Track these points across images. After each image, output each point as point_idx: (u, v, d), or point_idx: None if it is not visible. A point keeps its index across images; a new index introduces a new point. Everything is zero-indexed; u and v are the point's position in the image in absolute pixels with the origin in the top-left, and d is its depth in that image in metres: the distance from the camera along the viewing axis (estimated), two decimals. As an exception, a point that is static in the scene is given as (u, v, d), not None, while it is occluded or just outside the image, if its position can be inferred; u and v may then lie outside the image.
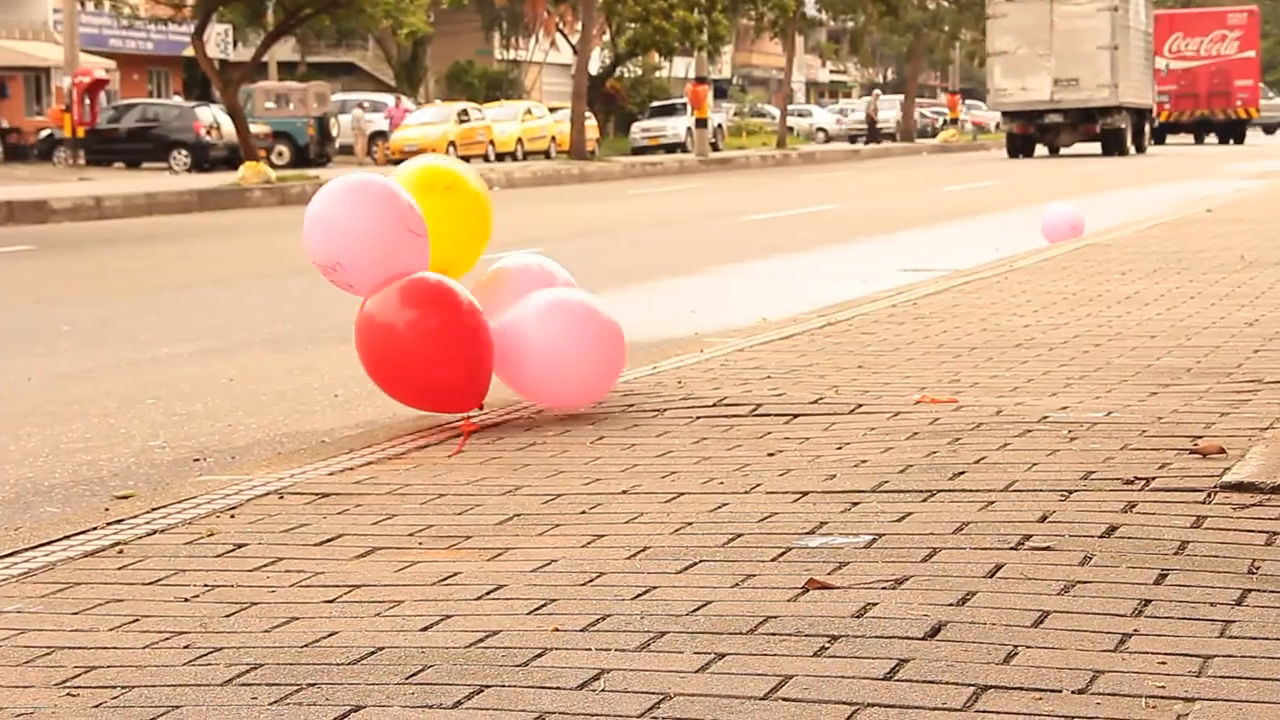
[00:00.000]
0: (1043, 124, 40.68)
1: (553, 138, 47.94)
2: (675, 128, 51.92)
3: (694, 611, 3.08)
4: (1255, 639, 2.84)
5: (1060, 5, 40.13)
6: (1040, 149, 42.81)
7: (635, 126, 54.13)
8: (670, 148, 50.57)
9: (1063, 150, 42.08)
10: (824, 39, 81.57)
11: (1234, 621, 2.93)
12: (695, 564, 3.44)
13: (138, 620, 3.20)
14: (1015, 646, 2.81)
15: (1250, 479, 3.95)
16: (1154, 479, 4.06)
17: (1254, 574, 3.24)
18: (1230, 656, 2.75)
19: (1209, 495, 3.88)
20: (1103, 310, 7.83)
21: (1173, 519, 3.68)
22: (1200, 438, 4.54)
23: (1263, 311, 7.58)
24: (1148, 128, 44.83)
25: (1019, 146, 41.34)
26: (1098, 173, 31.16)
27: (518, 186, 31.39)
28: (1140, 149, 42.46)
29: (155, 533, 3.93)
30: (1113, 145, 40.79)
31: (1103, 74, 39.96)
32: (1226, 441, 4.44)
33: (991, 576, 3.25)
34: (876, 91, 67.56)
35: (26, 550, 3.78)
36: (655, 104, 57.54)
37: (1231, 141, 53.12)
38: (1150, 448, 4.45)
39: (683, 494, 4.13)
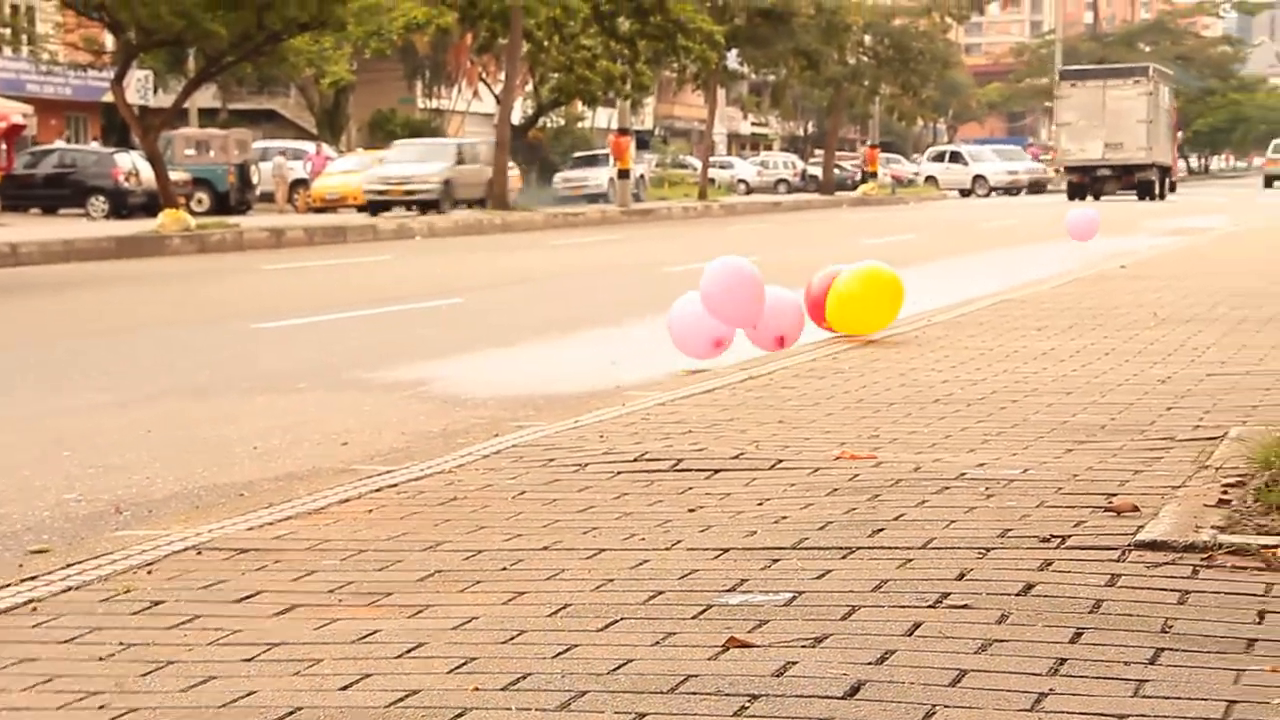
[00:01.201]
0: (1095, 176, 52.65)
1: (475, 187, 47.81)
2: (598, 178, 52.08)
3: (615, 670, 3.09)
4: (1168, 698, 2.87)
5: (1110, 90, 52.84)
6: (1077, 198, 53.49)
7: (557, 177, 54.23)
8: (593, 198, 50.69)
9: (1105, 197, 52.65)
10: (746, 92, 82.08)
11: (1147, 681, 2.97)
12: (616, 621, 3.45)
13: (51, 680, 3.17)
14: (934, 706, 2.83)
15: (1163, 537, 4.00)
16: (1069, 537, 4.11)
17: (1167, 632, 3.28)
18: (1144, 716, 2.78)
19: (1123, 554, 3.93)
20: (1019, 366, 7.91)
21: (1088, 577, 3.72)
22: (1115, 495, 4.60)
23: (1175, 369, 7.69)
24: (1168, 180, 57.15)
25: (1076, 191, 52.74)
26: (1016, 228, 31.51)
27: (440, 235, 31.35)
28: (1163, 196, 53.83)
29: (70, 589, 3.89)
30: (1145, 192, 52.35)
31: (1141, 140, 52.57)
32: (1140, 499, 4.50)
33: (910, 635, 3.28)
34: (871, 145, 68.20)
35: (-62, 607, 3.73)
36: (578, 154, 57.67)
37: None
38: (1066, 505, 4.50)
39: (604, 550, 4.14)
